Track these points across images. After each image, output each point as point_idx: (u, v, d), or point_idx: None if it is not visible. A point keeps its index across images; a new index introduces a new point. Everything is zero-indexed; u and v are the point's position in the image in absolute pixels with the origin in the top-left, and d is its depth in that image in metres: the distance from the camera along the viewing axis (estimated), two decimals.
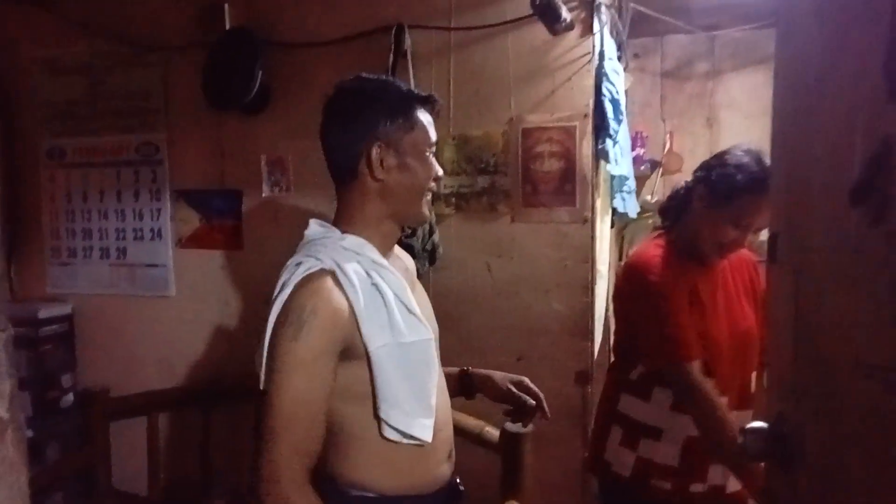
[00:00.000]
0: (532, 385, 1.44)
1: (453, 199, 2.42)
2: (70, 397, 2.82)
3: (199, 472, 2.57)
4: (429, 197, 1.29)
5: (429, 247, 2.30)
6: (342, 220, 1.26)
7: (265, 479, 1.10)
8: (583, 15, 2.24)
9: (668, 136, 3.49)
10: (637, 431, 1.75)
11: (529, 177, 2.33)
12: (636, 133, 3.28)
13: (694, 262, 1.70)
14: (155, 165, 2.77)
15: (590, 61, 2.25)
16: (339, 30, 2.46)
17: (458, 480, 1.41)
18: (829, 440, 0.85)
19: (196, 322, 2.76)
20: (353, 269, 1.17)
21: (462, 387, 1.50)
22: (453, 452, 1.37)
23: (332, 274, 1.16)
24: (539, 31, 2.22)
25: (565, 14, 2.06)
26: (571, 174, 2.29)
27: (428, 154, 1.25)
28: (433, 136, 1.26)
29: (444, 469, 1.33)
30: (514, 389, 1.43)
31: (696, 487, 1.70)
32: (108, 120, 2.81)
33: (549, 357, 2.29)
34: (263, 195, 2.63)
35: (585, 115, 2.26)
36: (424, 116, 1.25)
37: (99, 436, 2.35)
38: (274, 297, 1.17)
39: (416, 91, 1.26)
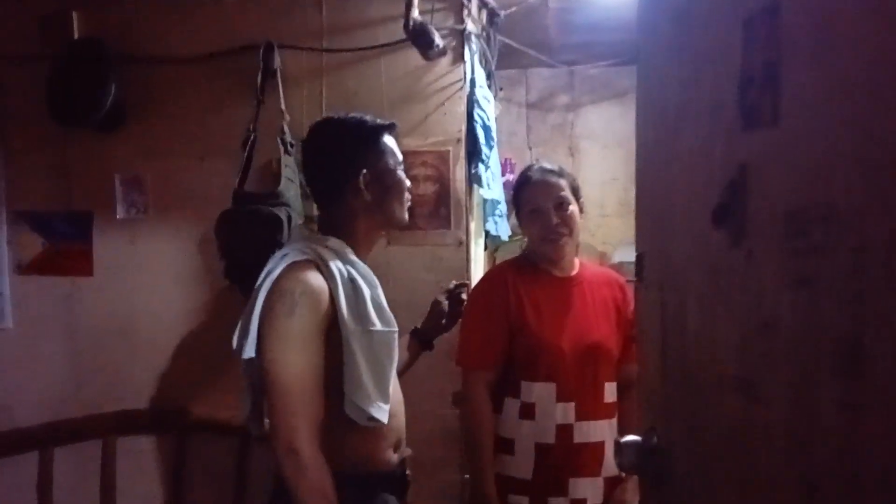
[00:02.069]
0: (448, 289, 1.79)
1: None
2: None
3: None
4: (408, 204, 1.51)
5: None
6: (327, 228, 1.45)
7: (287, 451, 1.22)
8: (454, 43, 2.29)
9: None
10: (497, 447, 1.78)
11: None
12: (505, 160, 3.38)
13: (543, 274, 1.84)
14: None
15: (461, 88, 2.30)
16: (203, 46, 2.34)
17: (406, 470, 1.50)
18: (696, 455, 0.89)
19: (37, 357, 2.48)
20: (333, 263, 1.33)
21: (420, 341, 1.72)
22: (403, 442, 1.48)
23: (316, 264, 1.31)
24: (412, 56, 2.23)
25: (438, 40, 2.09)
26: (446, 198, 2.31)
27: (399, 171, 1.48)
28: (400, 155, 1.50)
29: (391, 456, 1.42)
30: (441, 298, 1.75)
31: (557, 502, 1.73)
32: None
33: (426, 380, 2.27)
34: (118, 217, 2.43)
35: (458, 140, 2.30)
36: (391, 140, 1.49)
37: None
38: (259, 282, 1.30)
39: (380, 122, 1.48)
